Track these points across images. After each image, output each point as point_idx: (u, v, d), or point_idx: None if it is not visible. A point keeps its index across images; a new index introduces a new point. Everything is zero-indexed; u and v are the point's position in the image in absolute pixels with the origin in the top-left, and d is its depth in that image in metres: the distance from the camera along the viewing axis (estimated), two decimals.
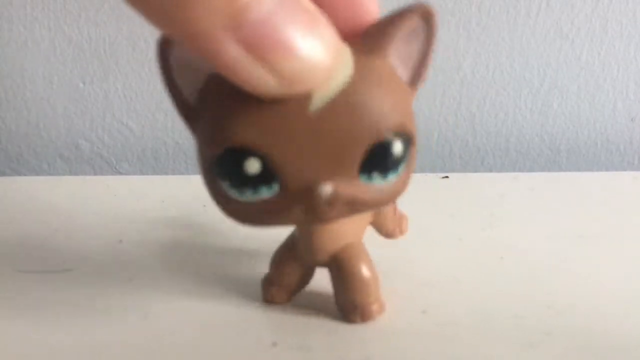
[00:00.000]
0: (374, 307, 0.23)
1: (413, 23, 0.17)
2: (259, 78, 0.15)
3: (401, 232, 0.28)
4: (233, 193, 0.17)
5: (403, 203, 0.34)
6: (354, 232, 0.23)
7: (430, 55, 0.18)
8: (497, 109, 0.47)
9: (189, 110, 0.18)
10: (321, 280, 0.24)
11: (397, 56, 0.18)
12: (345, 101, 0.16)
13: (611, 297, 0.25)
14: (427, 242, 0.30)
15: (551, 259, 0.28)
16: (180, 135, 0.45)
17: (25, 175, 0.46)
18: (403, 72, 0.18)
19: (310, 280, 0.25)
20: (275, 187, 0.17)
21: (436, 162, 0.47)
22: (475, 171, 0.47)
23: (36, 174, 0.46)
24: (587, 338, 0.22)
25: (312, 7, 0.16)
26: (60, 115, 0.46)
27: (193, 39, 0.15)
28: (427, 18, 0.17)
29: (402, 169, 0.18)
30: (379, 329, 0.22)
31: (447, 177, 0.41)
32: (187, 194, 0.37)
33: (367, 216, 0.25)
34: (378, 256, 0.27)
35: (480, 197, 0.37)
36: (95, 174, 0.46)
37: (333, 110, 0.16)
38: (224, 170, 0.17)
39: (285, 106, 0.16)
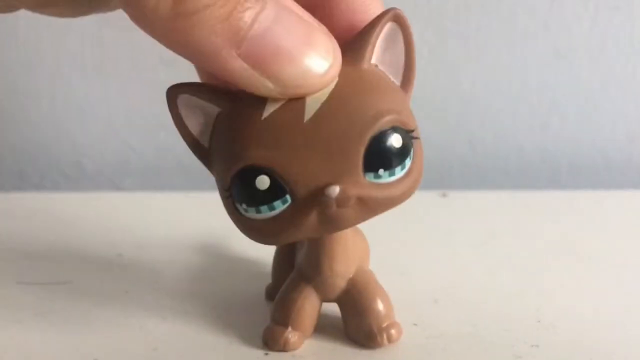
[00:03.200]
0: (394, 331, 0.22)
1: (386, 28, 0.19)
2: (262, 85, 0.17)
3: None
4: (251, 213, 0.18)
5: (401, 218, 0.35)
6: (364, 253, 0.23)
7: (413, 55, 0.19)
8: (497, 127, 0.47)
9: (203, 151, 0.20)
10: None
11: (383, 62, 0.19)
12: (334, 105, 0.17)
13: (600, 313, 0.25)
14: (421, 257, 0.31)
15: (544, 275, 0.28)
16: (180, 153, 0.45)
17: (28, 191, 0.46)
18: (394, 77, 0.19)
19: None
20: (288, 199, 0.17)
21: (435, 180, 0.47)
22: (475, 189, 0.47)
23: (39, 190, 0.47)
24: (573, 350, 0.22)
25: (309, 18, 0.17)
26: (63, 133, 0.46)
27: (198, 58, 0.16)
28: (398, 21, 0.19)
29: (408, 163, 0.18)
30: None
31: (445, 194, 0.41)
32: (186, 210, 0.38)
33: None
34: (372, 269, 0.27)
35: (478, 215, 0.38)
36: (97, 190, 0.47)
37: (324, 115, 0.17)
38: (239, 192, 0.18)
39: (281, 120, 0.17)
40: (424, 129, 0.48)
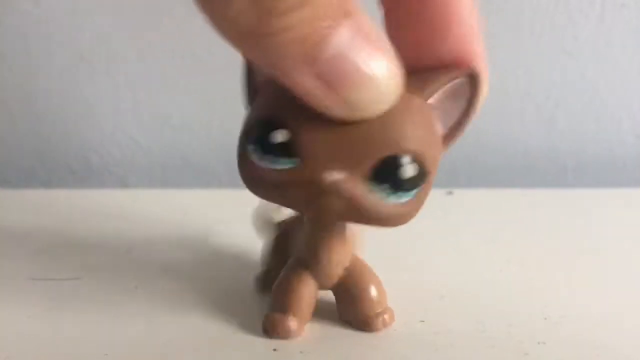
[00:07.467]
0: (387, 316, 0.23)
1: (458, 80, 0.19)
2: (331, 105, 0.17)
3: None
4: (256, 157, 0.19)
5: None
6: (357, 245, 0.24)
7: (470, 117, 0.19)
8: (503, 125, 0.47)
9: (254, 95, 0.20)
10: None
11: (438, 108, 0.19)
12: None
13: (606, 310, 0.25)
14: (428, 255, 0.31)
15: (550, 272, 0.28)
16: (187, 150, 0.46)
17: (36, 188, 0.46)
18: (440, 126, 0.19)
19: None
20: (293, 162, 0.18)
21: (441, 178, 0.47)
22: (481, 187, 0.47)
23: (47, 187, 0.47)
24: (580, 347, 0.22)
25: (382, 39, 0.17)
26: (70, 129, 0.46)
27: (273, 69, 0.17)
28: (472, 79, 0.19)
29: (409, 196, 0.18)
30: (377, 336, 0.23)
31: (451, 192, 0.41)
32: (193, 207, 0.38)
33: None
34: (379, 267, 0.27)
35: (484, 212, 0.38)
36: (104, 187, 0.47)
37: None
38: (258, 132, 0.19)
39: None
40: None
